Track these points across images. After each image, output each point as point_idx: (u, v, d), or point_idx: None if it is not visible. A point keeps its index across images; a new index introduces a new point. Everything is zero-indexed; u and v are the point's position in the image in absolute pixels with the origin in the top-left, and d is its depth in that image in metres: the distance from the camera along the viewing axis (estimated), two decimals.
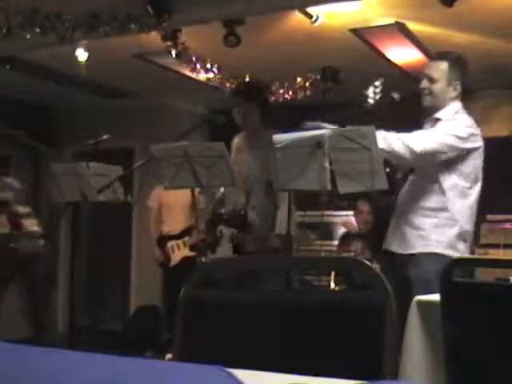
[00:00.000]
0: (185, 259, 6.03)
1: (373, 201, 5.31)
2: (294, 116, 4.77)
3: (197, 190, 4.32)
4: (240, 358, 1.32)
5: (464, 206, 3.19)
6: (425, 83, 3.28)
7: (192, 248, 5.86)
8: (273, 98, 6.39)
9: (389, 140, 3.05)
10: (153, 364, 0.77)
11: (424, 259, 3.14)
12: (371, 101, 3.26)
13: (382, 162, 2.96)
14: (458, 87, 3.28)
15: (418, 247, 3.20)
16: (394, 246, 3.31)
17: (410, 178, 3.32)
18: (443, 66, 3.26)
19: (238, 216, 3.93)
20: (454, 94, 3.27)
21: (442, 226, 3.17)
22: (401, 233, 3.28)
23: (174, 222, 6.17)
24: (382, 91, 3.28)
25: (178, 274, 5.55)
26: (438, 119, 3.25)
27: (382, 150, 2.96)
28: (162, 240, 6.23)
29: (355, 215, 6.14)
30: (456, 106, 3.28)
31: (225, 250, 3.98)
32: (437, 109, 3.28)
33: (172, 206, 6.17)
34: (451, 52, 3.51)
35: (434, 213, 3.18)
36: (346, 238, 6.09)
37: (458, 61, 3.32)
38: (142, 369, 0.73)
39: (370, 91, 3.28)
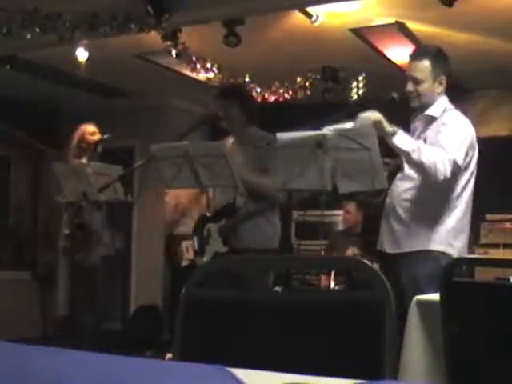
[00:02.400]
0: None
1: (362, 200, 5.29)
2: (293, 116, 4.78)
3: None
4: (240, 357, 1.32)
5: (455, 201, 3.11)
6: (410, 86, 3.19)
7: None
8: (272, 98, 6.40)
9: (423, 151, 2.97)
10: (153, 364, 0.77)
11: (415, 257, 3.11)
12: (355, 96, 3.21)
13: (382, 161, 2.95)
14: (444, 81, 3.20)
15: (408, 246, 3.16)
16: (386, 246, 3.29)
17: (398, 176, 3.26)
18: (425, 64, 3.16)
19: (226, 206, 3.90)
20: (440, 88, 3.20)
21: (431, 223, 3.10)
22: (391, 232, 3.25)
23: (191, 222, 6.13)
24: (365, 86, 3.21)
25: (187, 274, 5.52)
26: (430, 117, 3.19)
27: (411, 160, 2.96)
28: (171, 239, 6.19)
29: (343, 215, 6.14)
30: (444, 100, 3.22)
31: (214, 247, 3.92)
32: (426, 106, 3.21)
33: (189, 206, 6.15)
34: (429, 46, 3.43)
35: (423, 210, 3.12)
36: (338, 237, 6.10)
37: (438, 54, 3.24)
38: (142, 369, 0.73)
39: (354, 86, 3.22)
